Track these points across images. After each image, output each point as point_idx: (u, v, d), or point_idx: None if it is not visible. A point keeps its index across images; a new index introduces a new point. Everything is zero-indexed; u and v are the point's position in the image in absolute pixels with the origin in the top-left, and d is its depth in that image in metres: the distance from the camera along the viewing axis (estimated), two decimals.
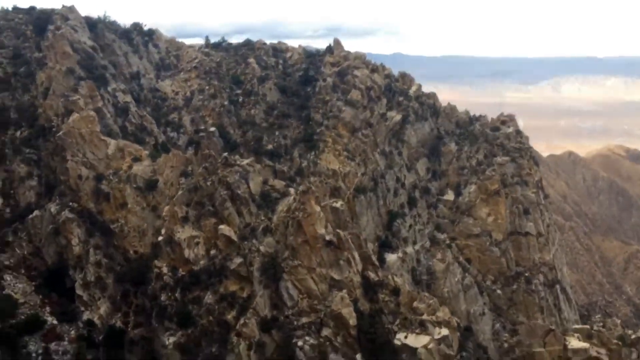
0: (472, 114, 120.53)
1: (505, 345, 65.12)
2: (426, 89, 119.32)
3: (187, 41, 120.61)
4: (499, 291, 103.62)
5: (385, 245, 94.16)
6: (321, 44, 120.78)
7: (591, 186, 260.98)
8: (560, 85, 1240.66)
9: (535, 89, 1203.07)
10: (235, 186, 65.42)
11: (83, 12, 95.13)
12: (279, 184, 70.42)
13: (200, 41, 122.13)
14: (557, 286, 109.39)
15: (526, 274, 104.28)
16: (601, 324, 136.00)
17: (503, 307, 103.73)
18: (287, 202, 66.86)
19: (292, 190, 69.60)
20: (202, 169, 68.79)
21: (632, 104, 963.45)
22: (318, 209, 63.98)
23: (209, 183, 66.73)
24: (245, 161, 68.82)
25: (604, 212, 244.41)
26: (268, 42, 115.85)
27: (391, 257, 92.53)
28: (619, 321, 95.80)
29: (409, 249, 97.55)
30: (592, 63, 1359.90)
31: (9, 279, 65.87)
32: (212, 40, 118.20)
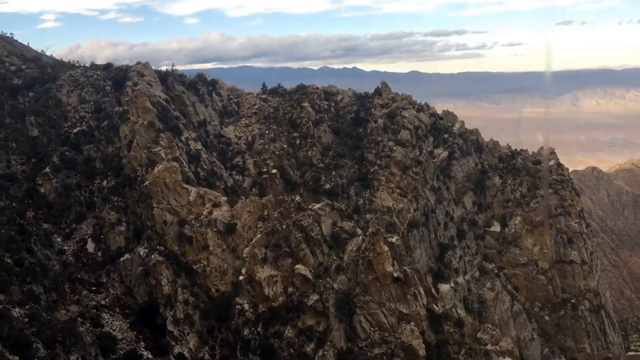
0: (511, 149, 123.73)
1: None
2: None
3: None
4: (546, 317, 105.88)
5: (437, 276, 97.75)
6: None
7: (616, 201, 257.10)
8: (579, 99, 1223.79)
9: (554, 104, 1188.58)
10: (309, 229, 69.87)
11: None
12: (347, 225, 74.63)
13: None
14: (602, 311, 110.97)
15: (572, 300, 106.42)
16: (639, 343, 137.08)
17: (551, 333, 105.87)
18: (356, 242, 70.97)
19: (359, 230, 73.74)
20: (277, 214, 73.55)
21: None
22: (386, 248, 68.10)
23: (284, 226, 71.36)
24: (317, 205, 73.32)
25: (630, 227, 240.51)
26: (320, 86, 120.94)
27: (444, 287, 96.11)
28: None
29: (460, 279, 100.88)
30: (610, 75, 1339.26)
31: (106, 317, 70.97)
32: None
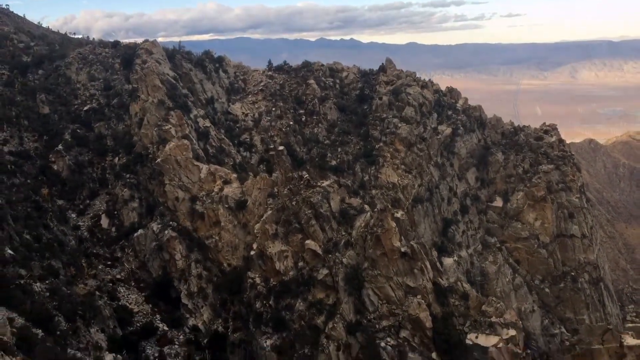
0: (514, 125, 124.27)
1: (567, 343, 69.57)
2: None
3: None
4: (547, 290, 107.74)
5: (441, 250, 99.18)
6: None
7: (612, 173, 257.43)
8: (577, 71, 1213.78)
9: (552, 75, 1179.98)
10: (318, 205, 71.12)
11: None
12: (355, 201, 75.83)
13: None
14: (601, 283, 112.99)
15: (572, 273, 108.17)
16: (634, 314, 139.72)
17: (551, 305, 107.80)
18: (364, 218, 72.27)
19: (367, 207, 74.94)
20: (287, 190, 74.71)
21: None
22: (394, 224, 69.42)
23: (294, 203, 72.56)
24: (326, 183, 74.42)
25: (626, 199, 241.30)
26: (325, 63, 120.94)
27: (447, 261, 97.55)
28: None
29: (463, 253, 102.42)
30: (609, 47, 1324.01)
31: (122, 290, 72.73)
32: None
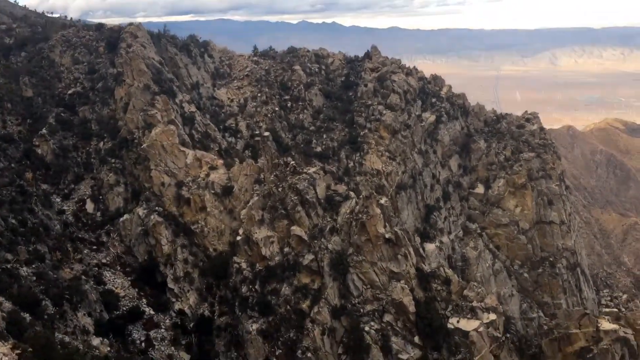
0: (496, 113, 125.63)
1: (545, 327, 71.23)
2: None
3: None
4: (525, 275, 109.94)
5: (423, 236, 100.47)
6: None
7: (590, 160, 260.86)
8: (557, 58, 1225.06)
9: (532, 62, 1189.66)
10: (304, 192, 71.54)
11: None
12: (340, 188, 76.32)
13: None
14: (578, 269, 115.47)
15: (550, 259, 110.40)
16: (609, 298, 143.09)
17: (529, 289, 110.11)
18: (349, 205, 72.86)
19: (352, 194, 75.53)
20: (274, 177, 75.01)
21: (628, 75, 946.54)
22: (379, 211, 70.18)
23: (280, 189, 72.96)
24: (312, 169, 74.81)
25: (602, 185, 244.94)
26: (310, 49, 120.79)
27: (429, 247, 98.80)
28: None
29: (445, 239, 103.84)
30: (589, 34, 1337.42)
31: (108, 275, 72.56)
32: None
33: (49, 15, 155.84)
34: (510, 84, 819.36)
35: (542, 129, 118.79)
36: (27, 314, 48.57)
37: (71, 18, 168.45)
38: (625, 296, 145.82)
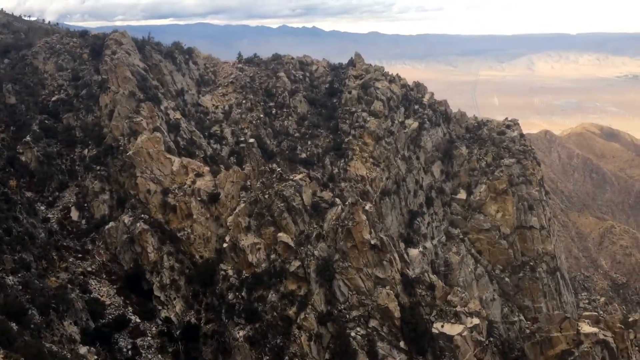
0: (477, 119, 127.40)
1: (527, 331, 72.34)
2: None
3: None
4: (507, 279, 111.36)
5: (407, 242, 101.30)
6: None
7: (566, 164, 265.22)
8: (534, 63, 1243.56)
9: (510, 67, 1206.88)
10: (290, 199, 71.91)
11: None
12: (326, 195, 76.79)
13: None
14: (558, 273, 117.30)
15: (531, 263, 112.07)
16: (587, 301, 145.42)
17: (510, 293, 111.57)
18: (335, 212, 73.34)
19: (338, 200, 76.06)
20: (260, 184, 75.25)
21: (604, 81, 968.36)
22: (364, 217, 70.76)
23: (266, 196, 73.23)
24: (298, 176, 75.20)
25: (579, 189, 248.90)
26: (295, 56, 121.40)
27: (413, 252, 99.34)
28: (616, 305, 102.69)
29: (428, 244, 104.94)
30: (565, 40, 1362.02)
31: (93, 283, 72.10)
32: None
33: (26, 18, 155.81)
34: (489, 89, 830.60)
35: (522, 135, 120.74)
36: (14, 324, 48.29)
37: (49, 22, 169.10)
38: (603, 299, 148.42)
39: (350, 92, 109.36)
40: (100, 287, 72.06)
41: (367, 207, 77.16)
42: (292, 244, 70.78)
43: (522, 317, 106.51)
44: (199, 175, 78.87)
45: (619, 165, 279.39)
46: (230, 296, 70.54)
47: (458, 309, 70.47)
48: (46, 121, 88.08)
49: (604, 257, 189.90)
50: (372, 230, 72.27)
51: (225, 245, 73.04)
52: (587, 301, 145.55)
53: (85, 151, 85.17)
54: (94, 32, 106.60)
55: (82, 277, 71.36)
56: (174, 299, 72.48)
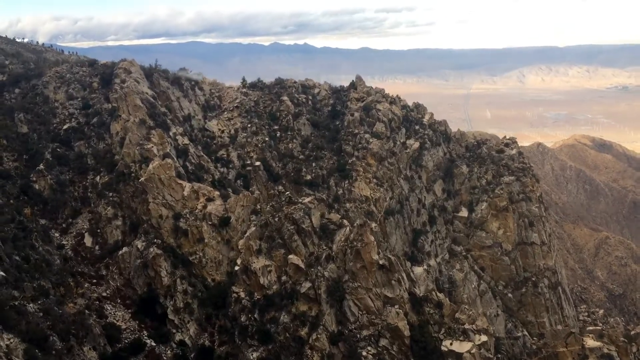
0: (476, 138, 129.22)
1: (534, 347, 73.38)
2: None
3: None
4: (509, 295, 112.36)
5: (411, 260, 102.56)
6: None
7: (560, 176, 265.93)
8: (525, 76, 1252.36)
9: (501, 80, 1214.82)
10: (300, 221, 73.19)
11: None
12: (334, 217, 78.15)
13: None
14: (559, 287, 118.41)
15: (533, 279, 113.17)
16: (586, 313, 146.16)
17: (514, 309, 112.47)
18: (344, 233, 74.64)
19: (345, 222, 77.37)
20: (270, 207, 76.61)
21: (594, 92, 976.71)
22: (373, 238, 72.07)
23: (276, 219, 74.51)
24: (307, 199, 76.60)
25: (573, 201, 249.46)
26: (297, 80, 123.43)
27: (418, 270, 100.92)
28: (619, 319, 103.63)
29: (432, 262, 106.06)
30: (555, 53, 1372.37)
31: (109, 308, 73.12)
32: None
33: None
34: (480, 102, 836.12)
35: (520, 153, 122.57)
36: (37, 350, 49.26)
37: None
38: (601, 311, 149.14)
39: (352, 114, 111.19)
40: (115, 311, 73.02)
41: (372, 227, 78.66)
42: (302, 265, 71.85)
43: (525, 332, 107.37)
44: (209, 199, 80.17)
45: (612, 176, 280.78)
46: (243, 318, 71.39)
47: (466, 326, 71.52)
48: (58, 149, 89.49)
49: (599, 268, 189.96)
50: (380, 251, 73.54)
51: (237, 268, 74.01)
52: (586, 314, 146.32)
53: (97, 178, 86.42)
54: (102, 61, 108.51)
55: (97, 302, 72.42)
56: (188, 322, 73.39)
